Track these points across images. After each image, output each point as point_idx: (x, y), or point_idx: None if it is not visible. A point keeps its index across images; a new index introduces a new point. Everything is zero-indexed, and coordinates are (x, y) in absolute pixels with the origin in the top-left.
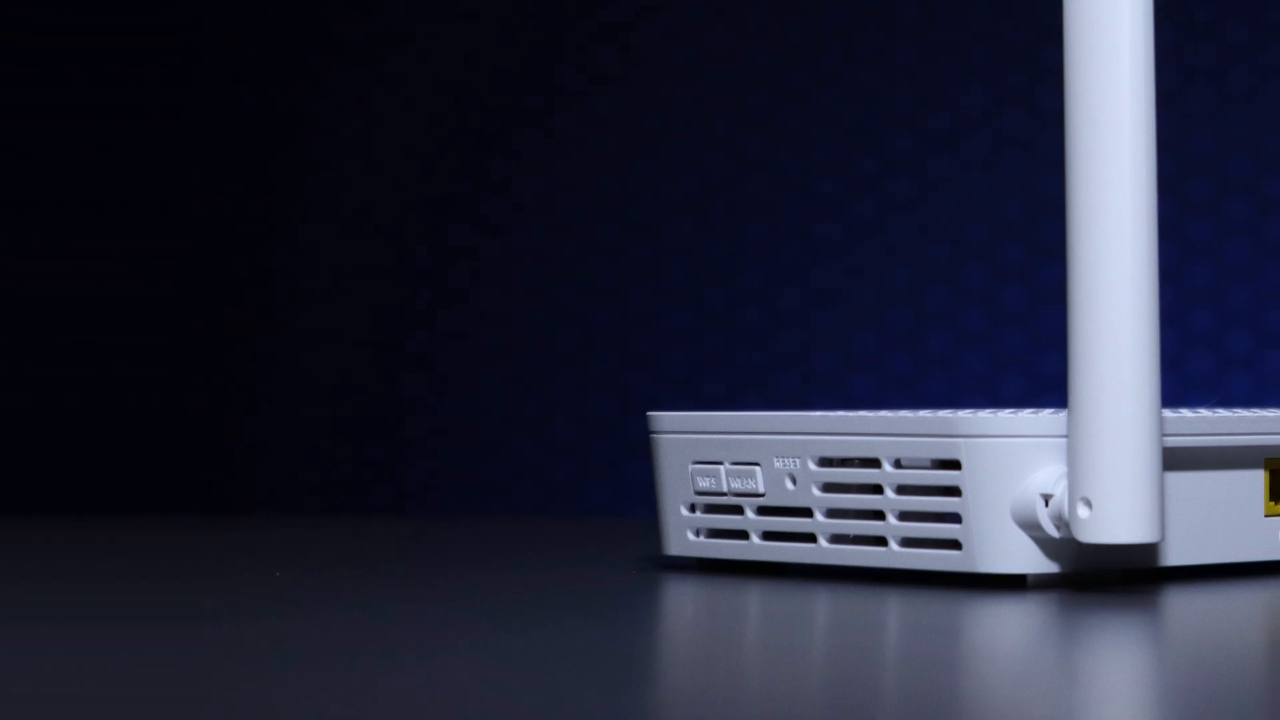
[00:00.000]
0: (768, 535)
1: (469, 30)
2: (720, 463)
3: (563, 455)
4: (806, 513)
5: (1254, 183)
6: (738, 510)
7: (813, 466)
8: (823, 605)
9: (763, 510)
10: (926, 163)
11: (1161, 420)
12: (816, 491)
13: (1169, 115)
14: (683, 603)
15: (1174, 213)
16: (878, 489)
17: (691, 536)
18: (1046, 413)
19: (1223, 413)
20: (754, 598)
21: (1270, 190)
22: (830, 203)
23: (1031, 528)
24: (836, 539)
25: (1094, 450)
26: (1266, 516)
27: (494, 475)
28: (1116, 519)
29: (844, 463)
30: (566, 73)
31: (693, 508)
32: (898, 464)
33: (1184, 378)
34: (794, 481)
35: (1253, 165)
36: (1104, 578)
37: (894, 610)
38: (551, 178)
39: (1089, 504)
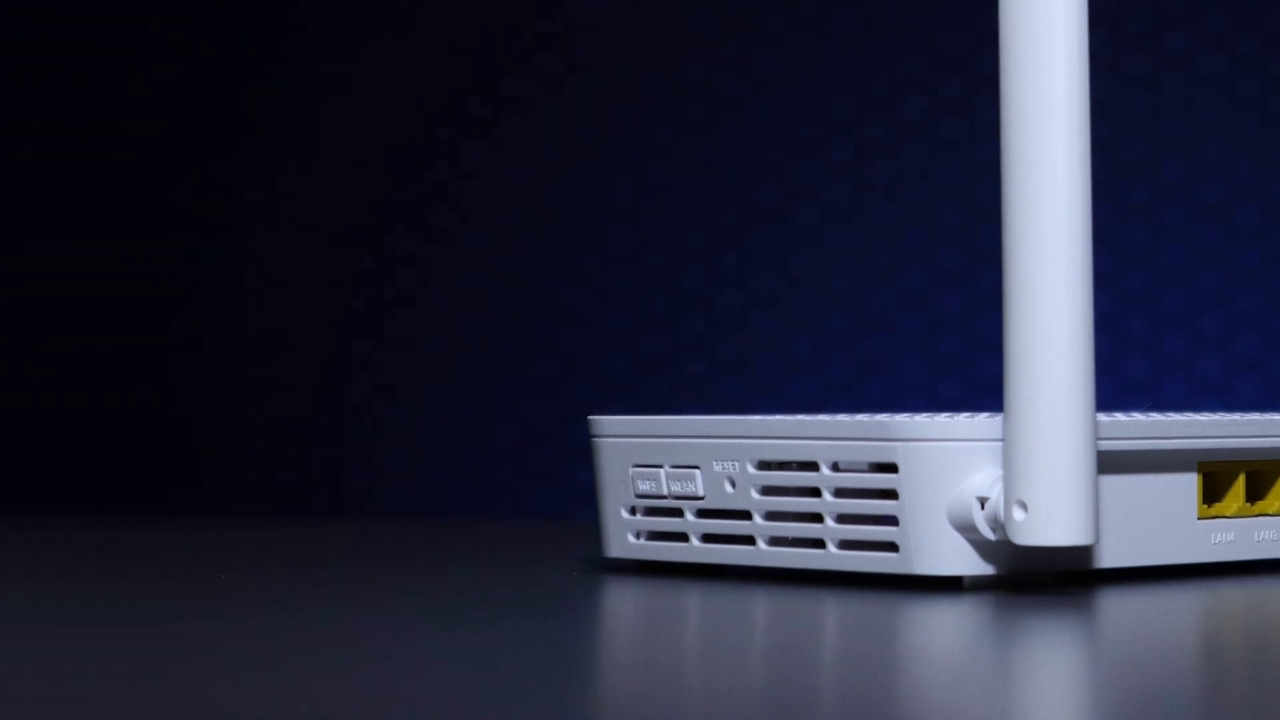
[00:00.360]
0: (707, 538)
1: (411, 38)
2: (660, 466)
3: (505, 459)
4: (745, 515)
5: (1188, 189)
6: (677, 513)
7: (751, 470)
8: (761, 607)
9: (702, 513)
10: (864, 169)
11: (1096, 424)
12: (755, 494)
13: (1103, 122)
14: (623, 604)
15: (1109, 218)
16: (816, 492)
17: (632, 539)
18: (982, 417)
19: (1157, 416)
20: (694, 599)
21: (1204, 196)
22: (769, 209)
23: (967, 530)
24: (775, 541)
25: (1029, 454)
26: (1200, 519)
27: (436, 479)
28: (1051, 522)
29: (782, 466)
30: (507, 80)
31: (633, 510)
32: (835, 467)
33: (1119, 381)
34: (733, 484)
35: (1186, 172)
36: (1039, 580)
37: (832, 611)
38: (492, 184)
39: (1024, 507)
